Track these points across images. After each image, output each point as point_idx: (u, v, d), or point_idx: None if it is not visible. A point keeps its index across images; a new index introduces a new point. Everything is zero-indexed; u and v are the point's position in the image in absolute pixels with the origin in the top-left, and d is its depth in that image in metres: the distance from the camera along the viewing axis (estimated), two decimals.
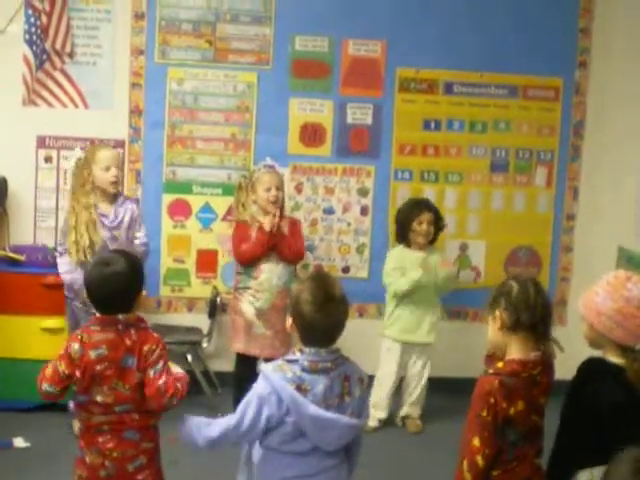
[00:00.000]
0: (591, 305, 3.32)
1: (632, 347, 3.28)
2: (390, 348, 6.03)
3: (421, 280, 5.84)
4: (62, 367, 3.50)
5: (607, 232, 6.55)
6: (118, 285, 3.50)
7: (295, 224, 5.91)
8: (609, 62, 6.57)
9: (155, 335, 3.53)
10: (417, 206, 6.01)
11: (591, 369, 3.33)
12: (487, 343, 3.40)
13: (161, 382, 3.42)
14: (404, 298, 5.94)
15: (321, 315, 3.13)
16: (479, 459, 3.15)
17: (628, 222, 6.29)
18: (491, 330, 3.33)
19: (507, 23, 6.50)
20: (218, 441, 3.23)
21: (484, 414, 3.14)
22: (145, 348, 3.44)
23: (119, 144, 6.17)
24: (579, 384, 3.32)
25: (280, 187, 5.73)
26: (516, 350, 3.24)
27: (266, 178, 5.69)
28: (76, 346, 3.49)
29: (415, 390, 6.10)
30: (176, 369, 3.62)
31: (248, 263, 5.74)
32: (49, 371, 3.53)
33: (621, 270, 3.51)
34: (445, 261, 6.08)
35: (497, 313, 3.27)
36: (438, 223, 6.04)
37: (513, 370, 3.19)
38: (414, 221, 5.95)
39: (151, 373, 3.43)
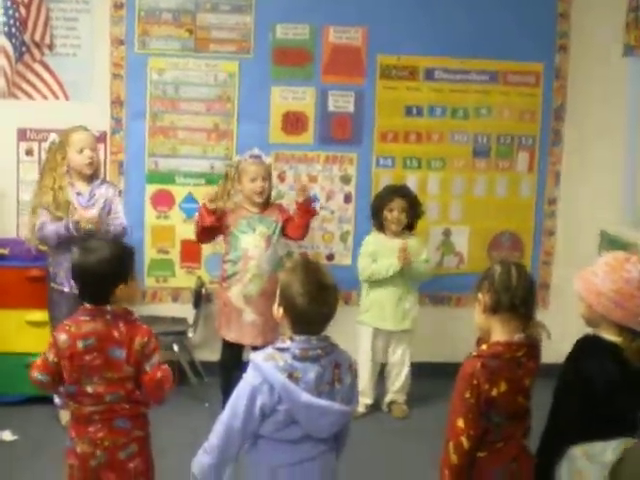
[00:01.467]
0: (590, 286, 3.34)
1: (630, 327, 3.32)
2: (364, 333, 6.06)
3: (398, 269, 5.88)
4: (51, 356, 3.53)
5: (589, 216, 6.58)
6: (97, 273, 3.50)
7: (283, 209, 5.89)
8: (588, 46, 6.58)
9: (145, 327, 3.53)
10: (389, 193, 6.02)
11: (587, 346, 3.36)
12: (475, 327, 3.44)
13: (160, 376, 3.46)
14: (375, 284, 5.99)
15: (315, 305, 3.13)
16: (464, 440, 3.20)
17: (610, 206, 6.32)
18: (476, 314, 3.37)
19: (487, 9, 6.50)
20: (225, 443, 3.17)
21: (467, 396, 3.19)
22: (136, 342, 3.44)
23: (101, 135, 6.14)
24: (574, 360, 3.35)
25: (266, 177, 5.70)
26: (499, 332, 3.28)
27: (252, 169, 5.67)
28: (63, 337, 3.51)
29: (398, 377, 6.13)
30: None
31: (198, 238, 5.85)
32: (39, 360, 3.57)
33: (619, 251, 3.56)
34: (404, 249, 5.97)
35: (480, 296, 3.31)
36: (415, 210, 6.04)
37: (496, 352, 3.23)
38: (385, 208, 5.97)
39: (147, 367, 3.45)
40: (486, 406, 3.19)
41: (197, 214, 5.76)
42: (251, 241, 5.63)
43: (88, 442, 3.52)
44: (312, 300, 3.13)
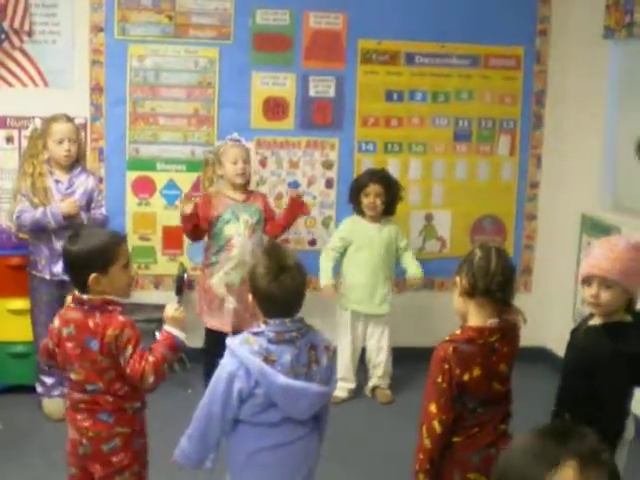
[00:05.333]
0: (632, 272, 3.39)
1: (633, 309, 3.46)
2: (343, 317, 6.08)
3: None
4: (50, 342, 3.61)
5: (570, 200, 6.60)
6: (69, 260, 3.55)
7: (267, 203, 5.93)
8: (569, 30, 6.59)
9: (120, 319, 3.46)
10: (365, 178, 6.02)
11: (617, 330, 3.42)
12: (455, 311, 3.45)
13: (129, 370, 3.40)
14: (352, 268, 6.03)
15: (276, 285, 3.18)
16: (436, 425, 3.23)
17: (591, 190, 6.35)
18: (454, 297, 3.39)
19: None
20: (205, 430, 3.22)
21: (439, 380, 3.22)
22: (108, 333, 3.40)
23: (81, 122, 6.11)
24: (609, 345, 3.40)
25: (247, 160, 5.74)
26: (474, 317, 3.30)
27: (233, 151, 5.70)
28: (56, 322, 3.56)
29: (379, 362, 6.14)
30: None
31: (190, 238, 5.96)
32: (42, 344, 3.71)
33: (637, 234, 3.64)
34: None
35: (458, 279, 3.33)
36: (393, 194, 6.04)
37: (469, 337, 3.25)
38: (362, 193, 5.98)
39: (121, 361, 3.41)
40: (458, 391, 3.21)
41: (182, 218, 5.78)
42: (235, 229, 5.65)
43: (76, 429, 3.54)
44: (274, 281, 3.18)
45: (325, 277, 6.02)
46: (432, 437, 3.23)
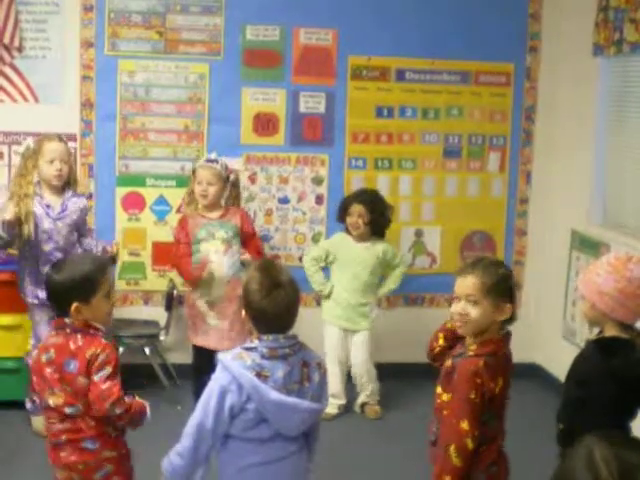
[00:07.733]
0: (593, 286, 3.40)
1: (631, 324, 3.42)
2: (328, 332, 6.07)
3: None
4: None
5: (560, 215, 6.61)
6: (51, 288, 3.54)
7: (245, 218, 5.92)
8: (559, 47, 6.62)
9: (102, 341, 3.45)
10: (351, 197, 6.04)
11: (606, 346, 3.41)
12: (456, 320, 3.35)
13: (104, 387, 3.36)
14: (335, 284, 6.05)
15: (269, 301, 3.18)
16: (469, 442, 3.16)
17: (580, 205, 6.35)
18: (486, 316, 3.26)
19: (457, 9, 6.52)
20: (196, 445, 3.20)
21: (472, 396, 3.16)
22: (88, 353, 3.38)
23: (71, 138, 6.11)
24: (597, 362, 3.40)
25: (213, 182, 5.68)
26: (490, 330, 3.28)
27: (199, 172, 5.71)
28: (34, 352, 3.56)
29: (366, 378, 6.10)
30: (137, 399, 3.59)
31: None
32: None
33: (620, 252, 3.62)
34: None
35: (508, 306, 3.26)
36: (377, 215, 5.99)
37: (491, 350, 3.24)
38: (347, 212, 5.98)
39: (95, 378, 3.37)
40: (487, 404, 3.19)
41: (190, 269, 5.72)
42: (211, 247, 5.67)
43: (62, 468, 3.51)
44: (266, 297, 3.18)
45: (321, 283, 6.05)
46: (463, 455, 3.15)
